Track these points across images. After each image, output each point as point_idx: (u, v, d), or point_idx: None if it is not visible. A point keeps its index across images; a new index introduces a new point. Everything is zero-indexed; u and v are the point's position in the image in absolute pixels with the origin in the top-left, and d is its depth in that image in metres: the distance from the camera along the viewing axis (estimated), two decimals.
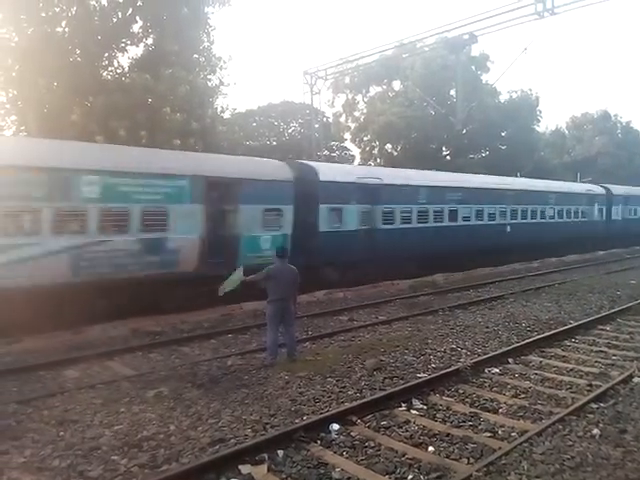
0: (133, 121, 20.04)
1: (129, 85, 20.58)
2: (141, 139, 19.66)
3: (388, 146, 45.23)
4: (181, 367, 8.17)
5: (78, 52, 20.59)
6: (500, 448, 5.26)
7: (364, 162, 45.74)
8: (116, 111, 19.69)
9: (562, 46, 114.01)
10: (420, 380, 7.20)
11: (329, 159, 44.93)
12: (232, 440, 5.49)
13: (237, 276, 8.51)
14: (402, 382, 7.27)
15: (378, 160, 44.84)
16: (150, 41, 22.98)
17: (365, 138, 45.63)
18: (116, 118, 19.69)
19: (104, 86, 20.61)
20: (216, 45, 46.89)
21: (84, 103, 20.61)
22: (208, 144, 21.77)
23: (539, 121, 50.83)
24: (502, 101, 46.77)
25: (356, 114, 47.37)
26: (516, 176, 30.89)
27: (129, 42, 22.54)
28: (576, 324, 10.59)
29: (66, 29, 20.37)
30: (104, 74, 22.03)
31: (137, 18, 22.34)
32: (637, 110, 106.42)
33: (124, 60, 22.85)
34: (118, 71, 22.55)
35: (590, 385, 7.14)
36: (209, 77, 24.75)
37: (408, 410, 6.39)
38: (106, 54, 21.84)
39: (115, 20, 21.52)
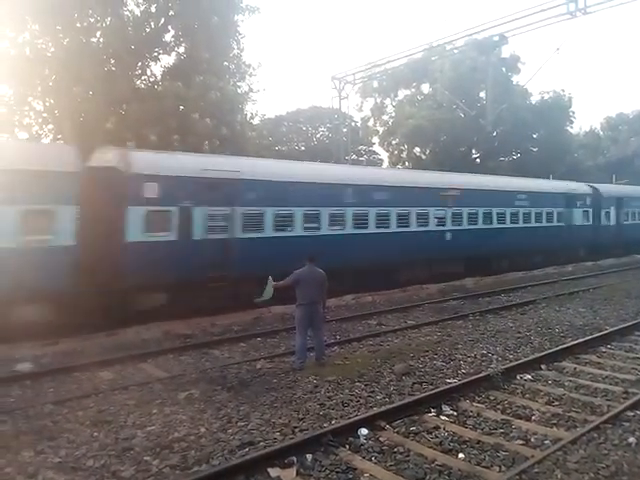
0: (165, 127, 20.48)
1: (162, 93, 21.07)
2: (173, 144, 20.06)
3: (417, 149, 44.93)
4: (211, 370, 8.29)
5: (112, 62, 21.17)
6: (533, 456, 5.17)
7: (392, 166, 45.56)
8: (149, 118, 20.15)
9: (595, 45, 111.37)
10: (450, 386, 7.12)
11: (357, 163, 44.88)
12: (261, 443, 5.53)
13: (270, 285, 8.62)
14: (431, 387, 7.21)
15: (407, 164, 44.59)
16: (182, 49, 23.49)
17: (394, 142, 45.43)
18: (149, 125, 20.15)
19: (138, 94, 21.13)
20: (246, 52, 47.45)
21: (118, 111, 21.16)
22: (238, 149, 22.04)
23: (572, 122, 49.69)
24: (533, 102, 45.90)
25: (384, 118, 47.23)
26: (548, 178, 29.99)
27: (161, 51, 23.08)
28: (612, 330, 10.31)
29: (101, 39, 20.98)
30: (137, 83, 22.58)
31: (169, 27, 22.88)
32: None
33: (157, 69, 23.41)
34: (151, 79, 23.11)
35: (626, 392, 6.95)
36: (239, 84, 25.17)
37: (438, 416, 6.34)
38: (139, 63, 22.39)
39: (148, 30, 22.06)
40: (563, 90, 48.21)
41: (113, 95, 20.03)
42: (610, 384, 7.42)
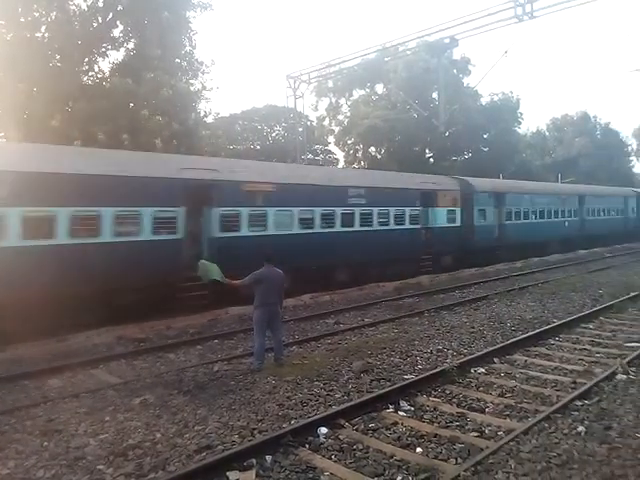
0: (114, 125, 19.90)
1: (110, 90, 20.47)
2: (122, 142, 19.52)
3: (372, 149, 45.53)
4: (167, 374, 8.09)
5: (58, 57, 20.45)
6: (487, 447, 5.29)
7: (348, 165, 45.92)
8: (97, 116, 19.54)
9: (542, 49, 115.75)
10: (407, 381, 7.22)
11: (313, 163, 45.01)
12: (219, 446, 5.44)
13: (213, 267, 8.60)
14: (389, 384, 7.28)
15: (362, 163, 45.05)
16: (131, 45, 22.94)
17: (349, 141, 45.88)
18: (97, 123, 19.54)
19: (85, 91, 20.47)
20: (198, 49, 46.80)
21: (64, 108, 20.42)
22: (191, 148, 21.68)
23: (520, 123, 51.64)
24: (484, 104, 47.36)
25: (340, 117, 47.64)
26: (498, 177, 30.90)
27: (110, 47, 22.47)
28: (559, 323, 10.71)
29: (46, 34, 20.22)
30: (85, 79, 21.88)
31: (118, 23, 22.28)
32: (616, 111, 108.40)
33: (105, 65, 22.77)
34: (99, 76, 22.46)
35: (574, 383, 7.22)
36: (191, 81, 24.79)
37: (396, 412, 6.40)
38: (86, 59, 21.72)
39: (95, 25, 21.41)
40: (511, 92, 50.15)
41: (59, 92, 19.32)
42: (559, 375, 7.69)
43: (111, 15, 21.75)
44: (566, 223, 28.74)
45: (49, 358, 9.09)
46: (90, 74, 22.43)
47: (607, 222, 32.98)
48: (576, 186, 34.85)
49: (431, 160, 43.94)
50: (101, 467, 5.08)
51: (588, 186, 35.97)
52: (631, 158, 69.17)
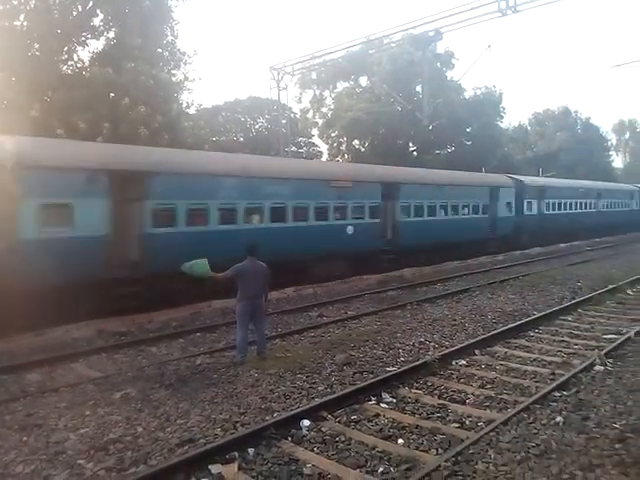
0: (95, 115, 19.58)
1: (90, 79, 20.12)
2: (102, 132, 19.22)
3: (356, 142, 45.51)
4: (148, 368, 8.04)
5: (37, 46, 20.04)
6: (468, 438, 5.36)
7: (332, 158, 45.86)
8: (77, 105, 19.21)
9: (525, 44, 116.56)
10: (389, 374, 7.26)
11: (297, 155, 44.87)
12: (202, 440, 5.43)
13: (204, 265, 8.44)
14: (372, 376, 7.32)
15: (346, 156, 45.03)
16: (112, 35, 22.57)
17: (333, 134, 45.79)
18: (77, 112, 19.20)
19: (64, 80, 20.11)
20: (180, 39, 46.19)
21: (44, 98, 20.04)
22: (173, 139, 21.44)
23: (503, 117, 51.98)
24: (467, 97, 47.57)
25: (323, 110, 47.50)
26: (481, 171, 31.02)
27: (90, 36, 22.08)
28: (539, 315, 10.87)
29: (25, 23, 19.77)
30: (64, 68, 21.48)
31: (98, 11, 21.88)
32: (596, 107, 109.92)
33: (85, 54, 22.38)
34: (78, 65, 22.04)
35: (553, 374, 7.34)
36: (173, 72, 24.48)
37: (378, 404, 6.45)
38: (66, 48, 21.31)
39: (75, 13, 21.01)
40: (494, 86, 50.36)
41: (38, 81, 18.94)
42: (538, 366, 7.81)
43: (91, 3, 21.36)
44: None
45: (27, 352, 8.96)
46: (70, 63, 22.02)
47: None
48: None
49: (414, 153, 44.11)
50: (81, 461, 5.04)
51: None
52: (611, 153, 70.35)
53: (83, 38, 21.87)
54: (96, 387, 7.18)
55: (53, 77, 19.71)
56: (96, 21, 22.08)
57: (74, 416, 6.14)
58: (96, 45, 22.74)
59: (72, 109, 19.41)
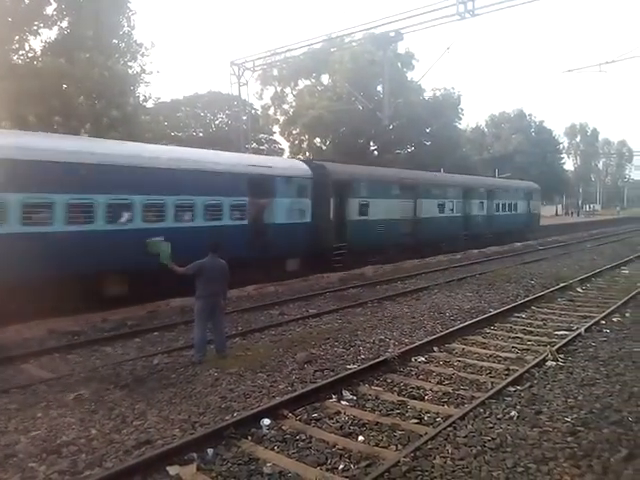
0: (46, 107, 18.85)
1: (41, 70, 19.34)
2: (53, 125, 18.52)
3: (317, 140, 45.58)
4: (103, 368, 7.80)
5: None
6: (426, 433, 5.44)
7: (293, 155, 45.78)
8: (27, 97, 18.44)
9: (483, 47, 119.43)
10: (350, 371, 7.29)
11: (258, 152, 44.53)
12: (159, 441, 5.31)
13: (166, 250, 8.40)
14: (332, 374, 7.34)
15: (307, 154, 45.01)
16: (65, 24, 21.70)
17: (294, 132, 45.70)
18: (28, 104, 18.44)
19: (14, 71, 19.23)
20: (137, 31, 44.97)
21: None
22: (130, 134, 20.87)
23: (461, 119, 53.19)
24: (427, 98, 48.38)
25: (285, 107, 47.33)
26: (439, 172, 31.45)
27: (42, 25, 21.16)
28: (495, 312, 11.15)
29: None
30: (14, 58, 20.55)
31: (51, 0, 21.02)
32: (549, 110, 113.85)
33: (37, 44, 21.44)
34: (30, 55, 21.12)
35: (508, 370, 7.54)
36: (130, 64, 23.78)
37: (338, 401, 6.46)
38: (17, 37, 20.37)
39: (27, 1, 20.12)
40: (453, 88, 51.42)
41: None
42: (494, 362, 8.02)
43: None
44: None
45: None
46: (20, 53, 21.08)
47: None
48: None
49: (375, 153, 44.53)
50: (33, 465, 4.86)
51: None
52: (562, 155, 73.00)
53: (35, 27, 20.97)
54: (48, 388, 6.93)
55: (3, 67, 18.86)
56: (49, 10, 21.21)
57: (25, 418, 5.91)
58: (49, 35, 21.78)
59: (22, 101, 18.61)
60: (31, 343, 9.33)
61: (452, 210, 25.70)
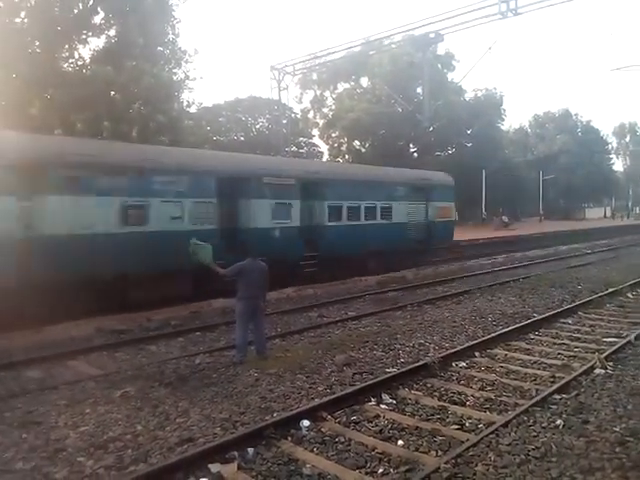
0: (94, 113, 19.56)
1: (90, 77, 20.08)
2: (102, 131, 19.19)
3: (356, 143, 45.56)
4: (148, 366, 8.01)
5: (37, 43, 19.99)
6: (468, 440, 5.34)
7: (333, 158, 45.87)
8: (76, 104, 19.17)
9: (526, 46, 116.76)
10: (389, 375, 7.24)
11: (297, 155, 44.87)
12: (201, 439, 5.41)
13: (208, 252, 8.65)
14: (372, 377, 7.30)
15: (346, 157, 45.04)
16: (112, 33, 22.51)
17: (333, 134, 45.84)
18: (76, 110, 19.18)
19: (64, 78, 20.05)
20: (182, 38, 46.16)
21: (44, 96, 20.00)
22: (175, 139, 21.43)
23: (503, 119, 52.12)
24: (467, 99, 47.64)
25: (324, 110, 47.55)
26: (481, 174, 30.93)
27: (90, 33, 22.02)
28: (539, 317, 10.85)
29: (25, 19, 19.73)
30: (64, 66, 21.43)
31: (99, 9, 21.82)
32: (597, 110, 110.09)
33: (85, 52, 22.30)
34: (79, 63, 21.99)
35: (553, 377, 7.31)
36: (174, 70, 24.44)
37: (378, 405, 6.43)
38: (66, 45, 21.26)
39: (76, 11, 20.95)
40: (495, 88, 50.47)
41: (38, 78, 18.91)
42: (538, 369, 7.79)
43: (92, 1, 21.33)
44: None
45: (26, 350, 8.93)
46: (70, 61, 21.97)
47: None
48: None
49: (415, 155, 44.12)
50: (81, 459, 5.02)
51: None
52: (611, 156, 70.44)
53: (84, 36, 21.82)
54: (96, 385, 7.17)
55: (53, 75, 19.68)
56: (97, 19, 22.04)
57: (74, 414, 6.12)
58: (97, 43, 22.66)
59: (72, 107, 19.39)
60: (79, 341, 9.69)
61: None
